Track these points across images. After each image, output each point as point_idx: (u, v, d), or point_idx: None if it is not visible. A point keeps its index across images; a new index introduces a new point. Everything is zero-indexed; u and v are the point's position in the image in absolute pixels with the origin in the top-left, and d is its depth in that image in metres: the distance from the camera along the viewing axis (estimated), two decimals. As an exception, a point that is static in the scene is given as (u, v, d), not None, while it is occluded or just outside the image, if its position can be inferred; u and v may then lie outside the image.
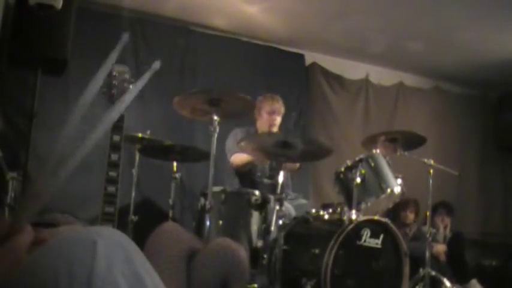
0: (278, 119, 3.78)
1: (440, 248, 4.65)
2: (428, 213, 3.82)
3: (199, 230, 2.98)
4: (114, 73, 2.01)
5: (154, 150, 3.62)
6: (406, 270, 3.02)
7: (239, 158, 3.64)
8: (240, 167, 3.68)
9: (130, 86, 2.01)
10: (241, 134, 3.74)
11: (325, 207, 3.52)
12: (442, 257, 4.63)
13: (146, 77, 1.21)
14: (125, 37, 1.23)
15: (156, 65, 1.24)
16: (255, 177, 3.72)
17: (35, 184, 0.97)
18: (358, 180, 3.17)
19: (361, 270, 2.94)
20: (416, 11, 4.55)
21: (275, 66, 5.19)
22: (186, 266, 2.40)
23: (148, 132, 3.64)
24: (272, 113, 3.77)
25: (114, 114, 1.10)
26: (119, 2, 4.50)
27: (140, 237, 2.32)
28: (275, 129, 3.78)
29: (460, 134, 6.13)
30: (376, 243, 2.97)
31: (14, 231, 0.98)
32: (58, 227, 1.74)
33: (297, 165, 3.79)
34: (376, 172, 3.28)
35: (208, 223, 2.79)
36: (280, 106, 3.80)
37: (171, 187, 3.44)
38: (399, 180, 3.33)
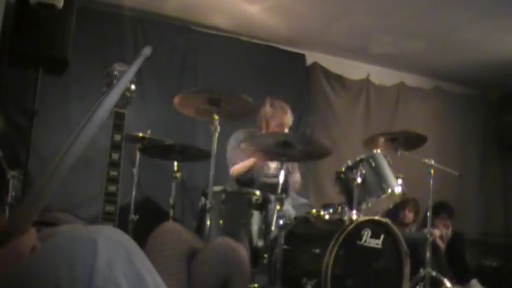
0: (286, 131, 3.69)
1: (437, 232, 4.67)
2: (429, 214, 3.81)
3: (200, 229, 2.99)
4: (115, 72, 2.01)
5: (155, 150, 3.62)
6: (407, 270, 3.02)
7: (238, 167, 3.62)
8: (240, 176, 3.66)
9: (132, 86, 2.01)
10: (242, 137, 3.72)
11: (325, 207, 3.52)
12: (439, 242, 4.64)
13: (138, 62, 1.20)
14: (147, 50, 1.22)
15: (147, 50, 1.23)
16: (257, 179, 3.70)
17: (36, 185, 0.97)
18: (359, 180, 3.17)
19: (361, 270, 2.94)
20: (417, 11, 4.55)
21: (276, 66, 5.20)
22: (187, 265, 2.40)
23: (149, 131, 3.64)
24: (282, 125, 3.68)
25: (111, 98, 1.08)
26: (120, 2, 4.50)
27: (141, 236, 2.32)
28: None
29: (460, 134, 6.13)
30: (377, 243, 2.97)
31: (17, 232, 0.98)
32: (59, 225, 1.74)
33: (299, 180, 3.80)
34: (377, 172, 3.28)
35: (208, 222, 2.79)
36: (289, 118, 3.71)
37: (172, 186, 3.44)
38: (400, 181, 3.33)
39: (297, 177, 3.82)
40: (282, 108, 3.74)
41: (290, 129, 3.76)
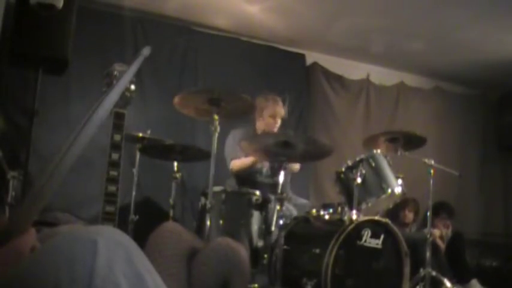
0: (279, 122, 3.82)
1: (437, 232, 4.68)
2: (429, 214, 3.81)
3: (200, 229, 2.99)
4: (115, 72, 2.01)
5: (155, 150, 3.62)
6: (407, 270, 3.02)
7: (239, 163, 3.67)
8: (240, 172, 3.69)
9: (132, 86, 2.01)
10: (239, 135, 3.75)
11: (325, 207, 3.52)
12: (439, 242, 4.64)
13: (138, 62, 1.20)
14: (146, 50, 1.22)
15: (147, 51, 1.23)
16: (253, 177, 3.73)
17: (36, 185, 0.97)
18: (359, 180, 3.17)
19: (361, 271, 2.94)
20: (417, 11, 4.55)
21: (276, 66, 5.20)
22: (187, 265, 2.40)
23: (149, 131, 3.64)
24: (274, 116, 3.81)
25: (111, 98, 1.08)
26: (120, 2, 4.50)
27: (141, 236, 2.32)
28: (274, 131, 3.80)
29: (460, 134, 6.13)
30: (377, 243, 2.97)
31: (17, 232, 0.98)
32: (59, 225, 1.74)
33: (298, 166, 3.80)
34: (377, 172, 3.29)
35: (208, 223, 2.79)
36: (281, 109, 3.84)
37: (172, 187, 3.44)
38: (400, 181, 3.33)
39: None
40: (274, 100, 3.88)
41: (283, 120, 3.85)
